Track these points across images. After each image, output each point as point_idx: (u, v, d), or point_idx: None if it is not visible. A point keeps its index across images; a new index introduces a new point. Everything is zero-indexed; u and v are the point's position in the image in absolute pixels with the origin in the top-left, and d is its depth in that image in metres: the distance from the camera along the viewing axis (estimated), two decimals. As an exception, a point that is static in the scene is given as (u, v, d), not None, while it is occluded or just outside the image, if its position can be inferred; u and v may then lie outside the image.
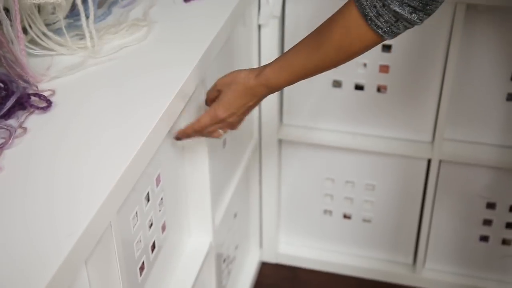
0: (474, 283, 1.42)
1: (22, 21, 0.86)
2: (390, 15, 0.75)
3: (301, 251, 1.52)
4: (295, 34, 1.21)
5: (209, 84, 0.96)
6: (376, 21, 0.76)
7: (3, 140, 0.72)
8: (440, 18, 1.19)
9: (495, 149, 1.29)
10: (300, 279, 1.50)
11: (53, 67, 0.88)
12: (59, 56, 0.90)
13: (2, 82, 0.78)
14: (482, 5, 1.15)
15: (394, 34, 0.78)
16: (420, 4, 0.74)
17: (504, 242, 1.37)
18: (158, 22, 1.00)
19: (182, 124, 0.90)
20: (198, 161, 0.99)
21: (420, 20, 0.76)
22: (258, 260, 1.50)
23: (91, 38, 0.91)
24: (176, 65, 0.89)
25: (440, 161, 1.33)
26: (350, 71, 1.27)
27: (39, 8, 0.89)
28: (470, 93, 1.26)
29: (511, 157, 1.28)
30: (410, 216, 1.41)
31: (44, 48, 0.90)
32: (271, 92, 0.87)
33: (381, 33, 0.77)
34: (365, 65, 1.26)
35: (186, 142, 0.93)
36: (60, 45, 0.91)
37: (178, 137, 0.90)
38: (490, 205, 1.34)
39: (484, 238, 1.38)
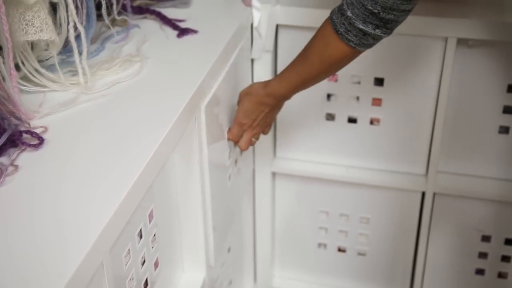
0: (471, 317, 1.41)
1: (14, 58, 0.86)
2: (357, 31, 0.87)
3: (295, 285, 1.50)
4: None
5: (204, 117, 0.97)
6: (346, 35, 0.88)
7: (-6, 178, 0.71)
8: (431, 51, 1.21)
9: (490, 181, 1.29)
10: (295, 314, 1.48)
11: (46, 103, 0.87)
12: (51, 93, 0.91)
13: (-6, 119, 0.78)
14: (472, 39, 1.16)
15: (366, 46, 0.89)
16: (381, 23, 0.86)
17: (500, 275, 1.37)
18: (151, 58, 1.01)
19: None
20: (192, 194, 0.99)
21: (385, 33, 0.87)
22: (252, 294, 1.49)
23: (84, 74, 0.91)
24: (170, 100, 0.89)
25: (434, 194, 1.33)
26: (343, 104, 1.28)
27: (32, 45, 0.90)
28: (463, 125, 1.27)
29: (506, 189, 1.28)
30: (405, 249, 1.41)
31: (36, 84, 0.90)
32: (280, 100, 1.05)
33: (354, 46, 0.89)
34: (357, 98, 1.27)
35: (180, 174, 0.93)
36: (53, 81, 0.91)
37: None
38: (486, 238, 1.34)
39: (480, 271, 1.37)
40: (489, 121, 1.25)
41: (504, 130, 1.25)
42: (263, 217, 1.42)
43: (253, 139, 1.09)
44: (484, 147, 1.28)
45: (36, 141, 0.78)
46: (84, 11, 0.95)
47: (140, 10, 1.17)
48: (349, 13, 0.87)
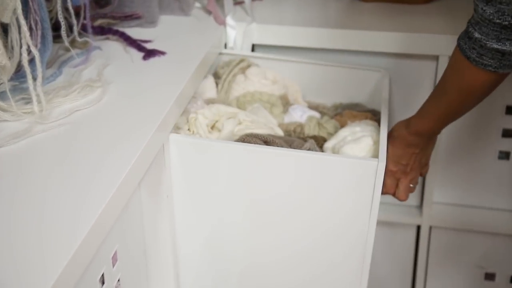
0: None
1: (-39, 85, 0.86)
2: (492, 53, 0.81)
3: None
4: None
5: (172, 148, 0.97)
6: (481, 60, 0.83)
7: None
8: (422, 73, 1.23)
9: (491, 212, 1.31)
10: None
11: (-4, 135, 0.87)
12: (2, 123, 0.89)
13: None
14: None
15: (509, 67, 0.83)
16: None
17: (506, 316, 1.37)
18: (114, 83, 1.00)
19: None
20: (160, 233, 0.98)
21: None
22: None
23: (39, 102, 0.91)
24: (134, 129, 0.88)
25: (431, 227, 1.33)
26: None
27: (-20, 70, 0.90)
28: (459, 151, 1.28)
29: (510, 221, 1.30)
30: (401, 289, 1.41)
31: (-15, 114, 0.90)
32: (428, 137, 1.02)
33: (493, 69, 0.83)
34: None
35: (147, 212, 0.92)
36: (4, 110, 0.90)
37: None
38: (489, 276, 1.35)
39: (484, 312, 1.38)
40: (488, 146, 1.27)
41: (504, 155, 1.27)
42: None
43: (411, 185, 1.06)
44: (483, 175, 1.29)
45: (-16, 178, 0.77)
46: (39, 32, 0.95)
47: (102, 31, 1.17)
48: (477, 35, 0.82)
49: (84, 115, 0.92)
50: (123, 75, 1.04)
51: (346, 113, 1.13)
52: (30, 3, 0.92)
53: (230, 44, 1.26)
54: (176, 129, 1.00)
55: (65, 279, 0.66)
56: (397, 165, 1.02)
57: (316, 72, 1.21)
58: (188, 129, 1.02)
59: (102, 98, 0.96)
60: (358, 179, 0.93)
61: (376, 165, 0.91)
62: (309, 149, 0.97)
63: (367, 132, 1.01)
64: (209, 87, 1.14)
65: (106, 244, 0.81)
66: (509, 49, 0.80)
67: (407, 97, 1.25)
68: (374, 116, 1.11)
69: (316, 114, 1.14)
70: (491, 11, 0.78)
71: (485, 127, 1.25)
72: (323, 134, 1.08)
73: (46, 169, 0.81)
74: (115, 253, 0.84)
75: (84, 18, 1.05)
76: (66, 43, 1.01)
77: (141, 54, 1.11)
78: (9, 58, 0.90)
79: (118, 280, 0.86)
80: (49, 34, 0.98)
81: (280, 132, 1.05)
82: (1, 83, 0.92)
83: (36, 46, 0.93)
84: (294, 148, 0.97)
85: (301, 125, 1.09)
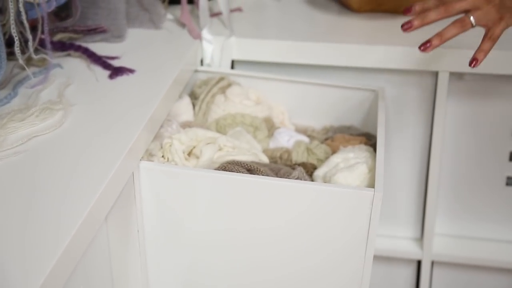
0: None
1: None
2: None
3: None
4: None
5: (144, 177, 0.96)
6: None
7: None
8: (420, 91, 1.23)
9: (500, 245, 1.31)
10: None
11: None
12: (-51, 151, 0.89)
13: None
14: (468, 73, 1.19)
15: None
16: None
17: None
18: (77, 105, 1.00)
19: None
20: (131, 273, 0.97)
21: None
22: None
23: (-9, 127, 0.90)
24: (100, 157, 0.87)
25: (433, 263, 1.33)
26: None
27: None
28: (463, 177, 1.29)
29: (519, 254, 1.30)
30: (400, 333, 1.40)
31: None
32: None
33: None
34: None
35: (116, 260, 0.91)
36: (-49, 137, 0.89)
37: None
38: (498, 316, 1.35)
39: None
40: (494, 171, 1.27)
41: (512, 181, 1.28)
42: None
43: (471, 17, 0.99)
44: (490, 203, 1.30)
45: None
46: (-9, 48, 0.94)
47: (63, 46, 1.16)
48: None
49: (43, 141, 0.92)
50: (87, 96, 1.04)
51: (337, 137, 1.13)
52: (-19, 16, 0.91)
53: (207, 61, 1.26)
54: (149, 156, 0.99)
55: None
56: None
57: (303, 91, 1.21)
58: (162, 156, 1.01)
59: (64, 122, 0.95)
60: (353, 210, 0.92)
61: (372, 195, 0.91)
62: (297, 178, 0.97)
63: (361, 158, 1.01)
64: (185, 109, 1.14)
65: (72, 284, 0.79)
66: None
67: (403, 118, 1.26)
68: (369, 140, 1.11)
69: (305, 139, 1.14)
70: None
71: (490, 151, 1.26)
72: (312, 160, 1.08)
73: (-1, 204, 0.79)
74: (80, 298, 0.83)
75: (42, 32, 1.04)
76: (21, 61, 1.01)
77: (107, 72, 1.11)
78: (-42, 78, 0.89)
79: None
80: (2, 50, 0.97)
81: (265, 159, 1.05)
82: None
83: (-13, 64, 0.92)
84: (281, 177, 0.97)
85: (288, 151, 1.09)
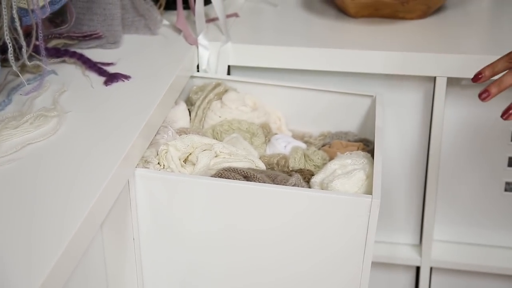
0: None
1: None
2: None
3: None
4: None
5: (139, 185, 0.96)
6: None
7: None
8: (418, 96, 1.23)
9: (499, 251, 1.31)
10: None
11: None
12: None
13: None
14: (466, 78, 1.19)
15: None
16: None
17: None
18: (72, 112, 0.99)
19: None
20: (126, 283, 0.96)
21: None
22: None
23: (-15, 134, 0.90)
24: (95, 164, 0.87)
25: (431, 269, 1.33)
26: None
27: None
28: (461, 183, 1.29)
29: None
30: None
31: None
32: None
33: None
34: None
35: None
36: None
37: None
38: (498, 324, 1.34)
39: None
40: (493, 177, 1.27)
41: (511, 187, 1.27)
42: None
43: None
44: (489, 209, 1.29)
45: None
46: (-16, 55, 0.94)
47: (57, 53, 1.16)
48: None
49: (37, 149, 0.91)
50: (82, 103, 1.03)
51: (335, 143, 1.13)
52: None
53: (203, 66, 1.26)
54: (145, 163, 0.99)
55: None
56: None
57: (300, 97, 1.21)
58: (158, 163, 1.01)
59: (58, 129, 0.95)
60: (350, 217, 0.92)
61: (369, 202, 0.90)
62: (294, 185, 0.96)
63: (359, 165, 1.01)
64: (181, 115, 1.14)
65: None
66: None
67: (401, 123, 1.25)
68: (367, 146, 1.11)
69: (302, 145, 1.13)
70: None
71: (489, 156, 1.26)
72: (309, 167, 1.08)
73: (-7, 213, 0.79)
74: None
75: (37, 39, 1.04)
76: (15, 68, 1.00)
77: (102, 79, 1.10)
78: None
79: None
80: (-3, 57, 0.97)
81: (262, 166, 1.05)
82: None
83: (-19, 71, 0.92)
84: (278, 184, 0.96)
85: (285, 157, 1.08)
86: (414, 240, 1.34)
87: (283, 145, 1.12)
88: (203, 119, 1.16)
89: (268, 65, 1.24)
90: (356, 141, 1.14)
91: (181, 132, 1.09)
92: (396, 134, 1.26)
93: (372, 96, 1.18)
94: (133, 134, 0.94)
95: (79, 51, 1.17)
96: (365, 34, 1.29)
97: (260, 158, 1.07)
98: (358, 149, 1.09)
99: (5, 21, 0.98)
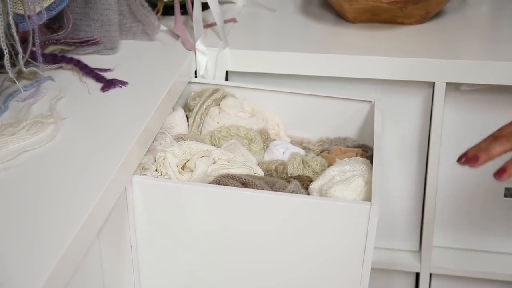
0: None
1: None
2: None
3: None
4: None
5: (136, 192, 0.95)
6: None
7: None
8: (417, 102, 1.23)
9: (499, 257, 1.31)
10: None
11: None
12: None
13: None
14: (465, 83, 1.19)
15: None
16: None
17: None
18: (69, 118, 0.99)
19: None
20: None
21: None
22: None
23: (-19, 142, 0.90)
24: (92, 172, 0.87)
25: (431, 275, 1.33)
26: None
27: None
28: (461, 189, 1.28)
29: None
30: None
31: None
32: None
33: None
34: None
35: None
36: None
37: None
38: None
39: None
40: (493, 182, 1.26)
41: (511, 192, 1.27)
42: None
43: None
44: (489, 215, 1.29)
45: None
46: (-20, 62, 0.94)
47: (54, 59, 1.16)
48: None
49: (33, 156, 0.91)
50: (79, 109, 1.03)
51: (333, 149, 1.13)
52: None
53: (201, 72, 1.25)
54: (142, 169, 0.99)
55: None
56: None
57: (299, 103, 1.21)
58: (156, 170, 1.01)
59: (55, 136, 0.95)
60: (349, 224, 0.92)
61: (368, 209, 0.90)
62: (293, 191, 0.96)
63: (357, 171, 1.00)
64: (178, 121, 1.13)
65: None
66: None
67: (400, 129, 1.25)
68: (365, 152, 1.11)
69: (300, 151, 1.13)
70: None
71: (489, 162, 1.25)
72: (308, 173, 1.07)
73: (-11, 221, 0.79)
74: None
75: (33, 45, 1.04)
76: (11, 74, 1.00)
77: (100, 85, 1.10)
78: None
79: None
80: (-7, 64, 0.97)
81: (260, 172, 1.04)
82: None
83: (-23, 77, 0.92)
84: (276, 190, 0.96)
85: (283, 164, 1.08)
86: (414, 246, 1.34)
87: (281, 151, 1.12)
88: (201, 125, 1.16)
89: (266, 70, 1.24)
90: (355, 147, 1.14)
91: (179, 138, 1.09)
92: (395, 140, 1.26)
93: (371, 101, 1.18)
94: (130, 140, 0.94)
95: (76, 57, 1.17)
96: (364, 39, 1.29)
97: (258, 165, 1.07)
98: (357, 155, 1.09)
99: (1, 27, 0.98)
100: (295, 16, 1.44)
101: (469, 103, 1.22)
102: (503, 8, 1.40)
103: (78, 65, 1.15)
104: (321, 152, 1.15)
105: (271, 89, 1.22)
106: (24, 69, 1.03)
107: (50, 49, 1.19)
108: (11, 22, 0.98)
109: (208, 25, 1.34)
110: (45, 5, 1.09)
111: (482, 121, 1.22)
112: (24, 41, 1.03)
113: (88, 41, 1.22)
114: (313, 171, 1.08)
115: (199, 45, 1.25)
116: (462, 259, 1.32)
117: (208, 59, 1.25)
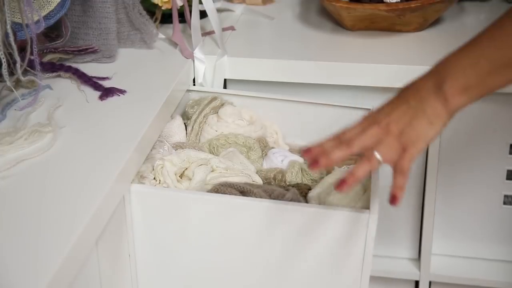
0: None
1: None
2: None
3: None
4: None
5: (135, 200, 0.95)
6: None
7: None
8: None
9: (498, 265, 1.31)
10: None
11: None
12: None
13: None
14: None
15: None
16: None
17: None
18: (67, 127, 1.00)
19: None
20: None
21: None
22: None
23: (-21, 151, 0.90)
24: (90, 181, 0.87)
25: (430, 283, 1.33)
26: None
27: None
28: (459, 196, 1.28)
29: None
30: None
31: None
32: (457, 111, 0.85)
33: None
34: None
35: None
36: None
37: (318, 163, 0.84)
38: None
39: None
40: (491, 190, 1.27)
41: (510, 200, 1.27)
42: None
43: (376, 154, 0.83)
44: (488, 222, 1.29)
45: None
46: (-23, 71, 0.94)
47: (52, 67, 1.16)
48: None
49: (31, 165, 0.91)
50: (77, 118, 1.03)
51: (332, 156, 1.12)
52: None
53: (199, 80, 1.26)
54: (140, 178, 0.99)
55: None
56: (379, 113, 0.86)
57: (297, 110, 1.21)
58: (154, 178, 1.01)
59: (53, 144, 0.95)
60: (348, 232, 0.92)
61: (367, 217, 0.90)
62: (291, 200, 0.96)
63: (356, 178, 1.00)
64: (177, 130, 1.14)
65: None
66: None
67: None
68: (364, 159, 1.11)
69: (299, 159, 1.13)
70: None
71: (487, 169, 1.26)
72: (307, 181, 1.07)
73: (-14, 230, 0.79)
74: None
75: (31, 54, 1.04)
76: (9, 83, 1.01)
77: (98, 93, 1.10)
78: None
79: None
80: (-10, 72, 0.97)
81: (259, 180, 1.04)
82: None
83: (-25, 86, 0.92)
84: (275, 198, 0.96)
85: (282, 172, 1.08)
86: (413, 254, 1.34)
87: (280, 159, 1.12)
88: (199, 133, 1.16)
89: (264, 78, 1.24)
90: (353, 154, 1.14)
91: (177, 146, 1.09)
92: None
93: (369, 109, 1.18)
94: (128, 149, 0.94)
95: (74, 65, 1.18)
96: (362, 47, 1.30)
97: (257, 173, 1.07)
98: (355, 162, 1.09)
99: (-1, 36, 0.98)
100: (293, 24, 1.45)
101: (467, 110, 1.21)
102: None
103: (76, 73, 1.15)
104: (320, 160, 1.15)
105: (270, 97, 1.22)
106: (22, 77, 1.04)
107: (48, 57, 1.20)
108: (9, 31, 0.98)
109: (206, 33, 1.34)
110: (43, 14, 1.09)
111: (481, 128, 1.23)
112: (22, 49, 1.03)
113: (86, 49, 1.22)
114: (311, 179, 1.08)
115: (197, 53, 1.25)
116: (461, 267, 1.32)
117: (206, 67, 1.25)
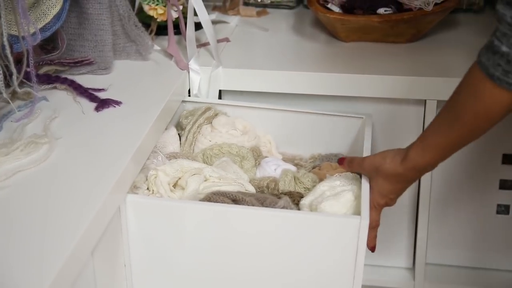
0: None
1: None
2: None
3: None
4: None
5: (130, 211, 0.96)
6: (506, 78, 0.80)
7: None
8: (408, 119, 1.24)
9: (493, 274, 1.31)
10: None
11: None
12: None
13: None
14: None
15: None
16: None
17: None
18: (63, 138, 1.00)
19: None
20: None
21: None
22: None
23: (-25, 162, 0.90)
24: (86, 191, 0.87)
25: (425, 292, 1.33)
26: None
27: None
28: (453, 206, 1.29)
29: None
30: None
31: None
32: (424, 172, 1.00)
33: None
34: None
35: None
36: None
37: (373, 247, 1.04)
38: None
39: None
40: (485, 199, 1.28)
41: (503, 209, 1.28)
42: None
43: None
44: (482, 231, 1.30)
45: None
46: (-26, 83, 0.94)
47: (49, 79, 1.17)
48: (504, 48, 0.80)
49: (27, 176, 0.91)
50: (73, 129, 1.04)
51: (324, 165, 1.14)
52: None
53: (194, 91, 1.26)
54: (134, 188, 0.99)
55: None
56: (383, 199, 1.01)
57: (291, 120, 1.22)
58: (147, 188, 1.01)
59: (49, 156, 0.95)
60: (339, 239, 0.93)
61: (358, 223, 0.91)
62: (283, 207, 0.97)
63: (347, 186, 1.02)
64: (171, 140, 1.14)
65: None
66: None
67: (391, 146, 1.26)
68: (356, 168, 1.12)
69: (292, 167, 1.14)
70: None
71: (481, 179, 1.26)
72: (299, 189, 1.08)
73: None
74: None
75: (28, 66, 1.04)
76: (5, 95, 1.01)
77: (93, 105, 1.11)
78: None
79: None
80: (-13, 84, 0.98)
81: (252, 189, 1.05)
82: None
83: (-29, 98, 0.92)
84: (267, 206, 0.97)
85: (275, 180, 1.09)
86: (407, 263, 1.34)
87: (273, 168, 1.13)
88: (193, 143, 1.17)
89: (259, 89, 1.25)
90: (346, 163, 1.15)
91: (171, 156, 1.10)
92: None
93: (362, 117, 1.19)
94: (124, 160, 0.94)
95: (70, 77, 1.18)
96: (356, 58, 1.31)
97: (250, 182, 1.08)
98: (347, 170, 1.10)
99: (-5, 49, 0.99)
100: (287, 35, 1.46)
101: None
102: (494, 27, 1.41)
103: (72, 85, 1.15)
104: (313, 168, 1.16)
105: (263, 106, 1.23)
106: (19, 89, 1.04)
107: (44, 69, 1.20)
108: (6, 43, 0.99)
109: (202, 45, 1.35)
110: (40, 26, 1.10)
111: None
112: (18, 61, 1.04)
113: (82, 61, 1.22)
114: (304, 188, 1.09)
115: (192, 64, 1.26)
116: (455, 276, 1.32)
117: (202, 78, 1.26)
